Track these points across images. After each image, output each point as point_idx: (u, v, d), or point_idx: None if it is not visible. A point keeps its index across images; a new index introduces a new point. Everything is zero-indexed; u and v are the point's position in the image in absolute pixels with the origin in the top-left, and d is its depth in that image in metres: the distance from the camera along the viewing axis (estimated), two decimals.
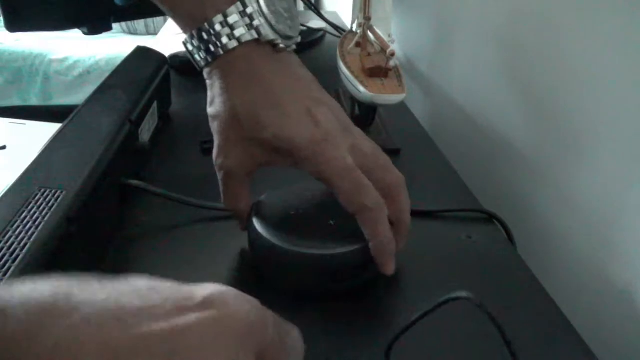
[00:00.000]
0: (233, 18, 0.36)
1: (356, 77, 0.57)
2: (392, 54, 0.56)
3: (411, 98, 0.85)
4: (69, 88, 2.24)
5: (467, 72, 0.76)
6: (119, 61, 0.66)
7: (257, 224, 0.38)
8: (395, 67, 0.59)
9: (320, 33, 1.06)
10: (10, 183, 0.37)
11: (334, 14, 1.28)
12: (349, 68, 0.60)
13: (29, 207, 0.34)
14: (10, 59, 2.28)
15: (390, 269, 0.36)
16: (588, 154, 0.48)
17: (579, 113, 0.50)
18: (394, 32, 0.65)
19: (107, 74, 0.60)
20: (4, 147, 1.42)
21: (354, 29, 0.70)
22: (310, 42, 1.02)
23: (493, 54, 0.68)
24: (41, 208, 0.34)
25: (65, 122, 0.47)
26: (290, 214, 0.39)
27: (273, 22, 0.37)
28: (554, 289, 0.40)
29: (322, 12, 1.17)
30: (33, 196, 0.35)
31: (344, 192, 0.35)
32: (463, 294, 0.26)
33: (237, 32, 0.36)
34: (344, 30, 1.01)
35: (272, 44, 0.37)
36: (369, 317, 0.36)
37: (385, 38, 0.62)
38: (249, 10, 0.36)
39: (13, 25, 0.69)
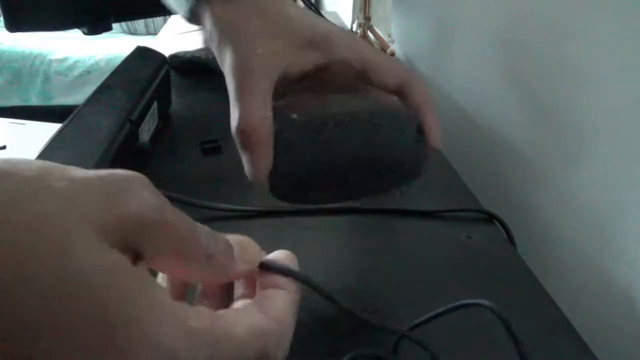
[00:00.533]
0: None
1: None
2: (392, 54, 0.56)
3: None
4: (69, 88, 2.24)
5: (467, 72, 0.76)
6: (119, 61, 0.66)
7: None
8: None
9: None
10: None
11: (334, 14, 1.28)
12: None
13: None
14: (10, 59, 2.28)
15: (438, 137, 0.36)
16: (588, 154, 0.48)
17: (579, 113, 0.49)
18: (394, 32, 0.65)
19: (107, 74, 0.60)
20: (4, 147, 1.42)
21: (354, 29, 0.70)
22: None
23: (493, 54, 0.68)
24: None
25: (65, 122, 0.47)
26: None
27: None
28: (554, 289, 0.40)
29: (322, 12, 1.17)
30: None
31: (384, 62, 0.34)
32: (485, 302, 0.26)
33: None
34: None
35: None
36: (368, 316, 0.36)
37: (385, 38, 0.62)
38: None
39: (13, 25, 0.69)
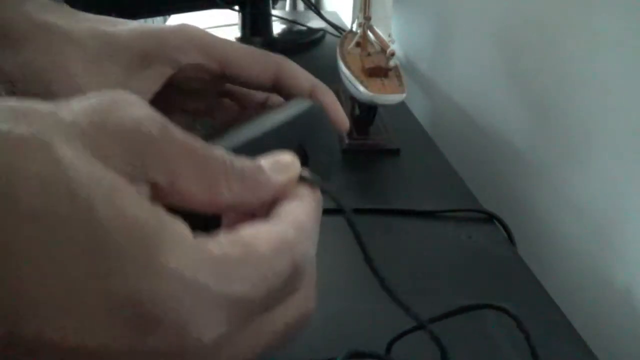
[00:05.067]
0: None
1: (356, 77, 0.57)
2: (392, 54, 0.56)
3: (411, 98, 0.85)
4: None
5: (467, 72, 0.76)
6: None
7: None
8: (395, 67, 0.59)
9: (320, 33, 1.06)
10: None
11: (334, 14, 1.28)
12: (349, 68, 0.60)
13: None
14: None
15: (345, 118, 0.30)
16: (588, 154, 0.48)
17: (579, 113, 0.50)
18: (394, 32, 0.65)
19: None
20: None
21: (354, 29, 0.70)
22: (310, 42, 1.02)
23: (493, 54, 0.68)
24: None
25: None
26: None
27: None
28: (554, 289, 0.40)
29: (322, 12, 1.17)
30: None
31: (243, 53, 0.29)
32: (509, 309, 0.26)
33: None
34: (344, 30, 1.01)
35: None
36: (368, 317, 0.36)
37: (385, 38, 0.62)
38: None
39: None
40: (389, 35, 0.62)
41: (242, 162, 0.19)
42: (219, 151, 0.18)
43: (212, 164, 0.17)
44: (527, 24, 0.59)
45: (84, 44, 0.26)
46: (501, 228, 0.47)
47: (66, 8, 0.27)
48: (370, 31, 0.65)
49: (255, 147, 0.22)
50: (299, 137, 0.27)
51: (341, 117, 0.30)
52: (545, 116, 0.56)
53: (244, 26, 1.00)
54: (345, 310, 0.36)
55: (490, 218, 0.48)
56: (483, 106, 0.71)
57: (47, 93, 0.25)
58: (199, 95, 0.31)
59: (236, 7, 1.00)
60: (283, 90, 0.29)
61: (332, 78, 0.72)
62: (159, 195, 0.16)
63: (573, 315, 0.37)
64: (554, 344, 0.34)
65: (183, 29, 0.28)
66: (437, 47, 0.88)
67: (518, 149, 0.61)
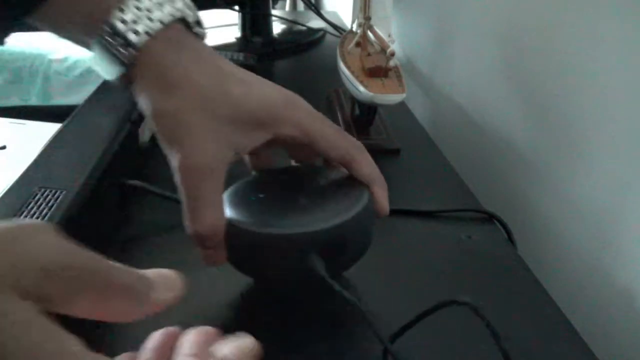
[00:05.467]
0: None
1: (356, 77, 0.57)
2: (392, 54, 0.56)
3: (411, 98, 0.85)
4: (69, 88, 2.24)
5: (467, 72, 0.76)
6: None
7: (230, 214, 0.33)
8: (395, 67, 0.59)
9: (320, 33, 1.06)
10: (10, 183, 0.37)
11: (334, 14, 1.28)
12: (349, 68, 0.60)
13: (29, 207, 0.34)
14: (10, 59, 2.28)
15: (388, 207, 0.36)
16: (588, 153, 0.48)
17: (579, 113, 0.50)
18: (394, 32, 0.65)
19: None
20: (4, 147, 1.42)
21: (354, 29, 0.70)
22: (310, 42, 1.02)
23: (493, 54, 0.68)
24: (41, 208, 0.34)
25: (65, 122, 0.47)
26: (259, 197, 0.35)
27: (190, 4, 0.33)
28: (554, 289, 0.40)
29: (322, 12, 1.17)
30: (33, 196, 0.35)
31: (328, 137, 0.34)
32: (464, 298, 0.26)
33: (165, 9, 0.31)
34: (344, 30, 1.01)
35: (193, 29, 0.34)
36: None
37: (385, 38, 0.62)
38: None
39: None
40: (389, 35, 0.62)
41: (132, 276, 0.22)
42: (115, 268, 0.21)
43: (105, 282, 0.20)
44: (527, 23, 0.59)
45: (215, 104, 0.31)
46: (501, 228, 0.47)
47: (214, 62, 0.33)
48: (370, 31, 0.65)
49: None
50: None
51: (384, 210, 0.36)
52: (546, 116, 0.56)
53: (243, 26, 1.00)
54: (345, 310, 0.36)
55: (490, 218, 0.47)
56: (483, 106, 0.71)
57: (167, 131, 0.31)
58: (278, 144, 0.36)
59: (236, 7, 1.00)
60: (348, 170, 0.35)
61: (332, 78, 0.72)
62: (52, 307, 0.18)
63: (573, 315, 0.37)
64: (554, 344, 0.34)
65: (295, 105, 0.34)
66: (437, 47, 0.87)
67: (518, 149, 0.61)
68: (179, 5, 0.32)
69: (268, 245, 0.32)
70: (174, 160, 0.31)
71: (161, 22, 0.31)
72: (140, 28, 0.30)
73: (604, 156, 0.46)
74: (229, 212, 0.33)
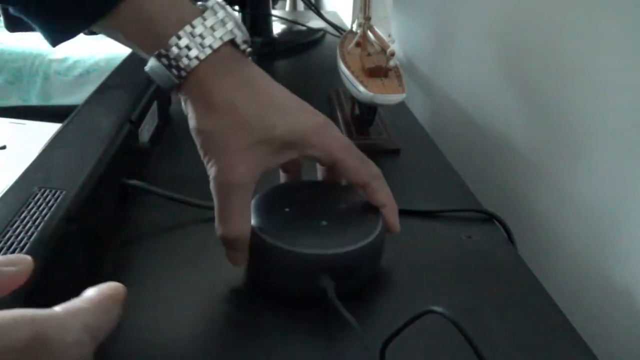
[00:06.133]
0: (210, 22, 0.35)
1: (356, 77, 0.57)
2: (392, 54, 0.56)
3: (411, 98, 0.85)
4: (69, 88, 2.24)
5: (467, 72, 0.76)
6: (119, 61, 0.66)
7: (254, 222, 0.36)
8: (395, 67, 0.59)
9: (320, 33, 1.06)
10: (10, 183, 0.37)
11: (334, 14, 1.28)
12: (349, 68, 0.60)
13: (29, 207, 0.34)
14: (10, 59, 2.28)
15: (398, 227, 0.39)
16: (588, 153, 0.48)
17: (579, 113, 0.50)
18: (394, 32, 0.65)
19: (107, 74, 0.60)
20: (4, 147, 1.42)
21: (354, 29, 0.70)
22: (310, 42, 1.02)
23: (493, 54, 0.68)
24: (41, 208, 0.34)
25: (65, 122, 0.47)
26: (284, 210, 0.38)
27: (239, 23, 0.36)
28: (554, 289, 0.40)
29: (322, 12, 1.17)
30: (33, 196, 0.35)
31: (352, 165, 0.38)
32: (437, 308, 0.27)
33: (217, 34, 0.35)
34: (344, 30, 1.01)
35: (240, 47, 0.36)
36: (368, 317, 0.36)
37: (385, 38, 0.62)
38: (220, 14, 0.35)
39: (13, 26, 0.69)
40: (389, 35, 0.62)
41: None
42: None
43: None
44: (527, 23, 0.59)
45: (251, 127, 0.35)
46: (501, 228, 0.47)
47: (255, 88, 0.36)
48: (370, 31, 0.65)
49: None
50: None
51: (394, 229, 0.39)
52: (546, 116, 0.56)
53: None
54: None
55: (490, 218, 0.47)
56: (483, 106, 0.71)
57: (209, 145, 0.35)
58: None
59: (236, 7, 1.00)
60: (366, 194, 0.39)
61: (332, 78, 0.72)
62: None
63: (573, 315, 0.37)
64: (554, 344, 0.34)
65: (325, 132, 0.37)
66: (437, 47, 0.88)
67: (518, 149, 0.61)
68: (230, 26, 0.35)
69: (285, 261, 0.35)
70: (210, 171, 0.35)
71: (211, 47, 0.34)
72: (192, 53, 0.34)
73: (604, 156, 0.46)
74: (255, 221, 0.36)
